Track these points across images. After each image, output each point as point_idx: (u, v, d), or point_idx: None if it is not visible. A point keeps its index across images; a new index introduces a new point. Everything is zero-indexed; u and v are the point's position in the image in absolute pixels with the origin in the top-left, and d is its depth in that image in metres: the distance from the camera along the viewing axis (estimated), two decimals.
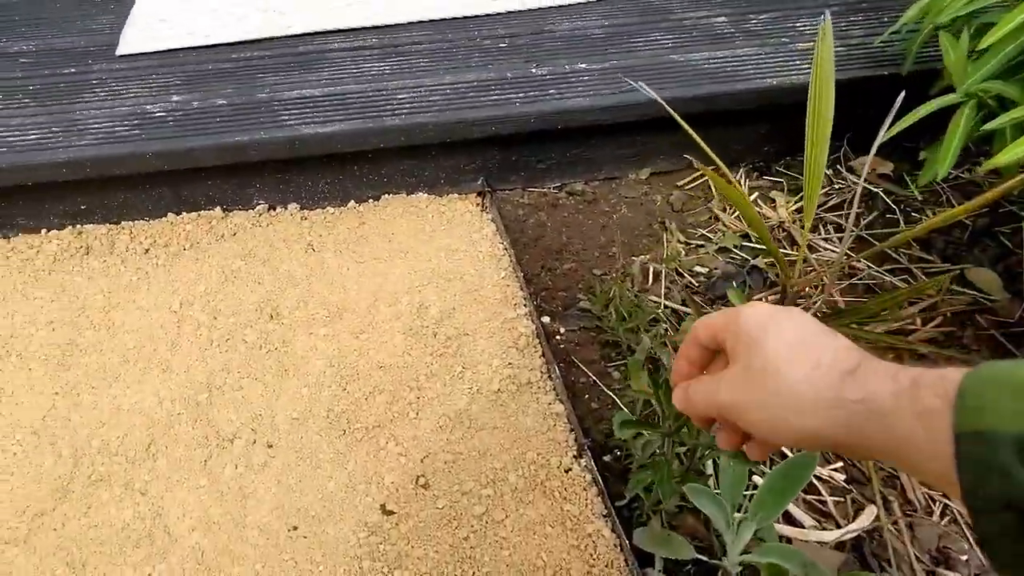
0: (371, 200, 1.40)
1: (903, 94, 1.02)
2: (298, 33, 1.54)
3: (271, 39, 1.51)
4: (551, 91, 1.36)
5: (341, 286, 1.20)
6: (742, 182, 1.47)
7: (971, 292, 1.19)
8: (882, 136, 1.02)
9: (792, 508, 0.89)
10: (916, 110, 1.04)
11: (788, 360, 0.43)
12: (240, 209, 1.35)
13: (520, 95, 1.35)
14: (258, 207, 1.35)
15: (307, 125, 1.27)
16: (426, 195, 1.41)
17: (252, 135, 1.24)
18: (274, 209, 1.36)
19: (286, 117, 1.29)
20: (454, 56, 1.48)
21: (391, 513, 0.87)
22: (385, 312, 1.15)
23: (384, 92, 1.36)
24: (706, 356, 0.53)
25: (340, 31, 1.55)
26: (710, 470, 0.93)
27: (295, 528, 0.86)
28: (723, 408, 0.47)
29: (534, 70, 1.42)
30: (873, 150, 1.06)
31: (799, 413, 0.42)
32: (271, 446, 0.95)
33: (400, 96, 1.35)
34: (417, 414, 1.00)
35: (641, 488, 0.82)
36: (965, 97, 1.05)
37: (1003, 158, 0.83)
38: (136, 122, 1.27)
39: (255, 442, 0.95)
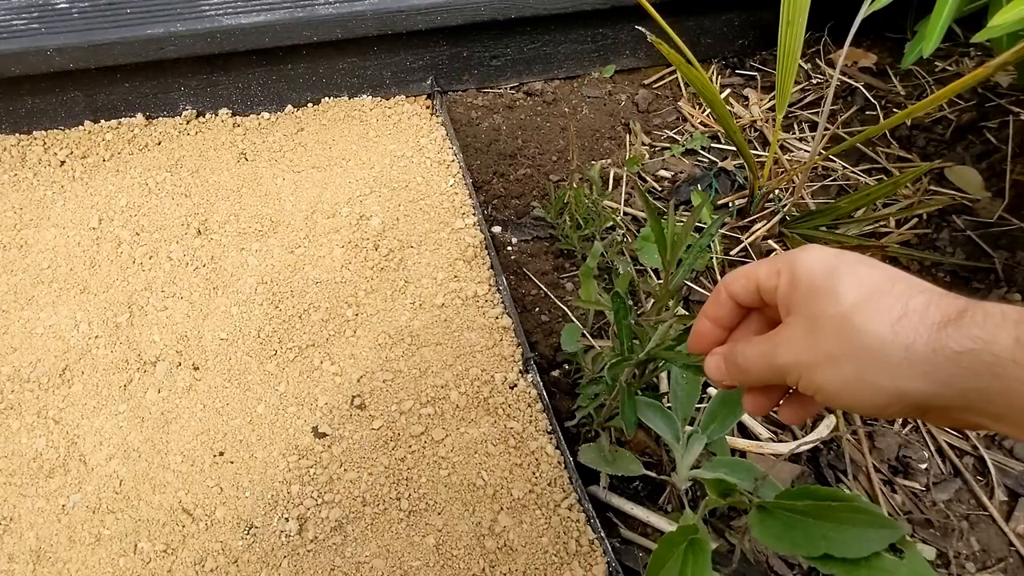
0: (310, 104, 1.27)
1: None
2: None
3: None
4: None
5: (276, 197, 1.10)
6: (714, 79, 1.36)
7: (950, 192, 1.12)
8: (862, 14, 0.91)
9: (747, 420, 0.84)
10: None
11: (868, 308, 0.36)
12: (165, 116, 1.23)
13: None
14: (184, 113, 1.22)
15: (229, 15, 1.13)
16: (370, 97, 1.28)
17: (167, 27, 1.10)
18: (203, 115, 1.24)
19: (206, 7, 1.15)
20: None
21: (323, 435, 0.81)
22: (323, 224, 1.06)
23: None
24: (737, 315, 0.45)
25: None
26: (665, 385, 0.88)
27: (221, 454, 0.80)
28: (784, 370, 0.39)
29: None
30: (850, 35, 0.95)
31: (885, 371, 0.35)
32: (197, 368, 0.88)
33: None
34: (355, 332, 0.93)
35: (591, 404, 0.76)
36: None
37: (997, 20, 0.73)
38: (35, 14, 1.12)
39: (180, 364, 0.88)
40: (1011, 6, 0.72)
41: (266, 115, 1.25)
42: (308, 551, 0.71)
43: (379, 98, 1.29)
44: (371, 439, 0.81)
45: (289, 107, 1.26)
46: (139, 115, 1.21)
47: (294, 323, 0.93)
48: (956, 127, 1.20)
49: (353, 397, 0.85)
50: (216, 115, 1.24)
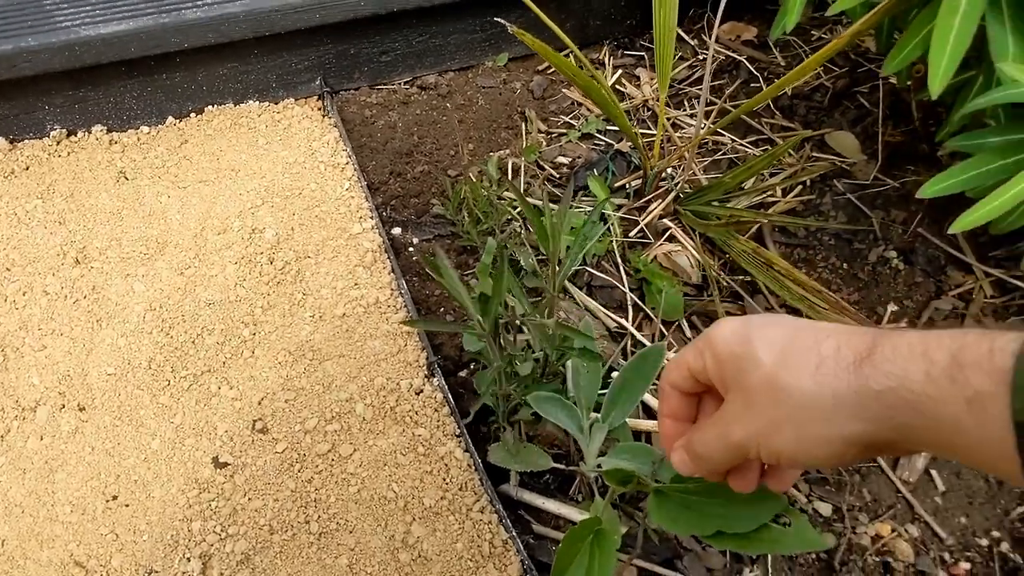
0: (193, 114, 1.20)
1: None
2: None
3: None
4: None
5: (161, 217, 1.04)
6: (606, 60, 1.36)
7: (830, 157, 1.16)
8: None
9: (652, 400, 0.85)
10: None
11: (787, 366, 0.36)
12: (32, 137, 1.13)
13: None
14: (53, 133, 1.13)
15: (86, 26, 1.04)
16: (257, 103, 1.22)
17: (17, 42, 1.01)
18: (74, 134, 1.15)
19: (60, 18, 1.06)
20: None
21: (225, 465, 0.78)
22: (213, 241, 1.00)
23: None
24: (690, 404, 0.45)
25: None
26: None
27: (114, 498, 0.75)
28: (741, 447, 0.39)
29: None
30: (720, 10, 0.96)
31: (823, 422, 0.35)
32: (83, 409, 0.82)
33: None
34: (253, 352, 0.88)
35: (491, 400, 0.75)
36: None
37: None
38: None
39: (63, 407, 0.82)
40: None
41: (145, 129, 1.17)
42: None
43: (267, 103, 1.23)
44: (275, 463, 0.78)
45: (170, 119, 1.19)
46: (1, 139, 1.11)
47: (187, 349, 0.88)
48: (833, 94, 1.24)
49: (254, 421, 0.81)
50: (89, 133, 1.15)
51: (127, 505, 0.75)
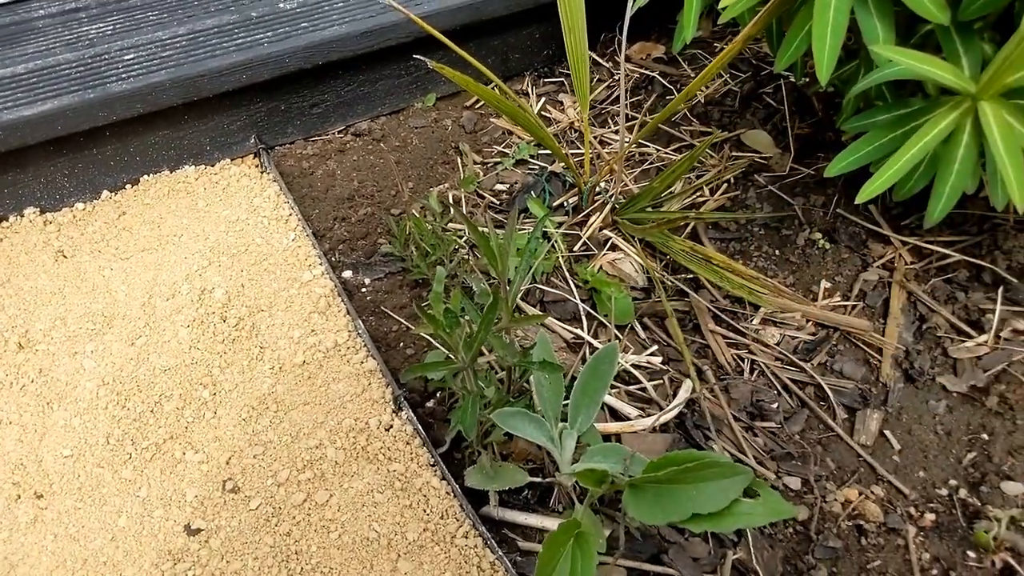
0: (128, 186, 1.16)
1: None
2: None
3: None
4: (303, 24, 1.17)
5: (106, 291, 0.99)
6: (529, 89, 1.38)
7: (748, 155, 1.20)
8: (629, 12, 0.96)
9: (616, 403, 0.85)
10: None
11: None
12: None
13: (269, 34, 1.15)
14: None
15: (8, 110, 1.00)
16: (193, 167, 1.19)
17: None
18: (5, 220, 1.10)
19: None
20: (189, 3, 1.23)
21: (198, 532, 0.73)
22: (163, 308, 0.97)
23: (106, 56, 1.11)
24: None
25: None
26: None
27: None
28: None
29: (282, 5, 1.22)
30: (625, 30, 0.99)
31: None
32: (40, 496, 0.77)
33: (127, 57, 1.11)
34: (215, 412, 0.85)
35: (456, 426, 0.74)
36: None
37: (725, 1, 0.78)
38: None
39: (19, 497, 0.77)
40: None
41: (80, 206, 1.13)
42: None
43: (203, 166, 1.20)
44: (251, 521, 0.74)
45: (105, 193, 1.14)
46: None
47: (147, 419, 0.83)
48: (741, 97, 1.29)
49: (224, 482, 0.77)
50: (22, 216, 1.10)
51: None
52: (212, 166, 1.20)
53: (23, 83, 1.06)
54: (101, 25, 1.19)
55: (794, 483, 0.80)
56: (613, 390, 0.87)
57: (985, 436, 0.84)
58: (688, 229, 1.09)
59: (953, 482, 0.81)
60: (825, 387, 0.88)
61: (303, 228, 1.08)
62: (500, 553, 0.69)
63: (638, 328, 0.96)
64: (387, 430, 0.81)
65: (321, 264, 1.02)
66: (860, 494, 0.79)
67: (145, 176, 1.17)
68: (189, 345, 0.92)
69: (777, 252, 1.05)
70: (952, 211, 0.82)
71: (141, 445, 0.81)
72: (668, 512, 0.54)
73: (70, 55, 1.12)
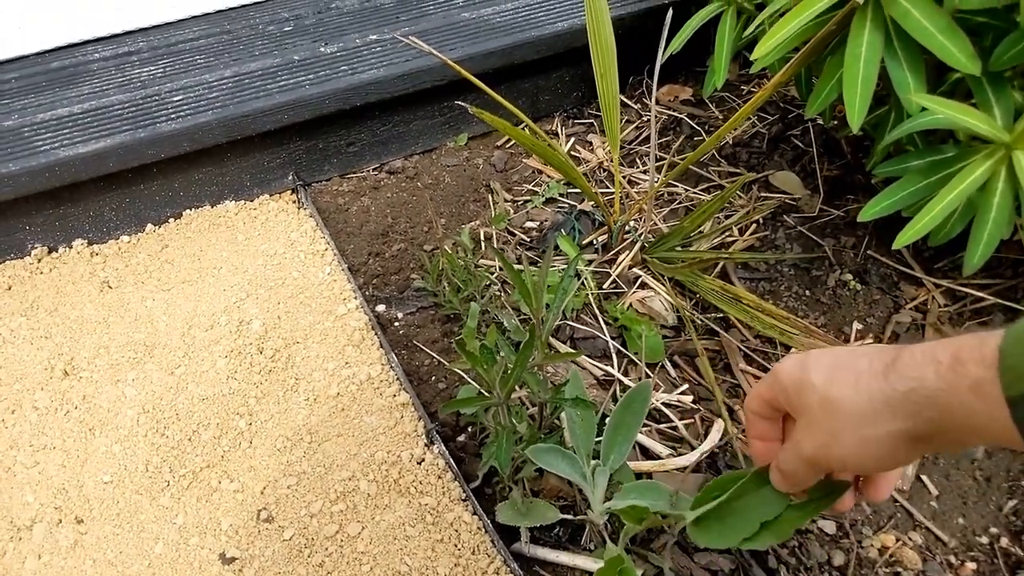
0: (171, 220, 1.21)
1: (670, 13, 0.99)
2: (50, 48, 1.30)
3: (16, 58, 1.26)
4: (342, 68, 1.22)
5: (147, 321, 1.03)
6: (559, 130, 1.42)
7: (777, 195, 1.22)
8: (660, 59, 0.99)
9: (648, 441, 0.85)
10: (683, 27, 1.02)
11: (836, 382, 0.43)
12: (12, 258, 1.13)
13: (310, 77, 1.21)
14: (34, 252, 1.13)
15: (65, 147, 1.06)
16: (233, 202, 1.24)
17: None
18: (55, 251, 1.15)
19: (39, 142, 1.08)
20: (235, 47, 1.30)
21: (232, 560, 0.74)
22: (202, 338, 1.00)
23: (156, 97, 1.17)
24: (774, 426, 0.52)
25: (100, 39, 1.32)
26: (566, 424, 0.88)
27: None
28: (813, 461, 0.46)
29: (323, 49, 1.28)
30: (656, 74, 1.03)
31: (867, 423, 0.41)
32: (81, 521, 0.79)
33: (175, 99, 1.17)
34: (251, 442, 0.87)
35: (489, 460, 0.74)
36: (725, 5, 1.04)
37: (759, 51, 0.81)
38: None
39: (60, 522, 0.79)
40: (762, 42, 0.81)
41: (125, 238, 1.18)
42: None
43: (242, 201, 1.25)
44: (284, 551, 0.75)
45: (149, 226, 1.20)
46: None
47: (184, 447, 0.86)
48: (769, 139, 1.32)
49: (259, 511, 0.79)
50: (70, 248, 1.15)
51: None
52: (251, 201, 1.25)
53: (79, 122, 1.12)
54: (152, 68, 1.25)
55: (829, 527, 0.79)
56: (644, 428, 0.88)
57: None
58: (717, 268, 1.10)
59: (994, 530, 0.79)
60: None
61: (338, 263, 1.12)
62: None
63: (668, 367, 0.97)
64: (419, 463, 0.83)
65: (356, 298, 1.05)
66: (897, 540, 0.78)
67: (188, 210, 1.22)
68: (227, 375, 0.94)
69: (808, 293, 1.06)
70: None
71: (179, 473, 0.83)
72: (738, 530, 0.54)
73: (122, 96, 1.18)
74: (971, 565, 0.76)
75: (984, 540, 0.79)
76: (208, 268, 1.12)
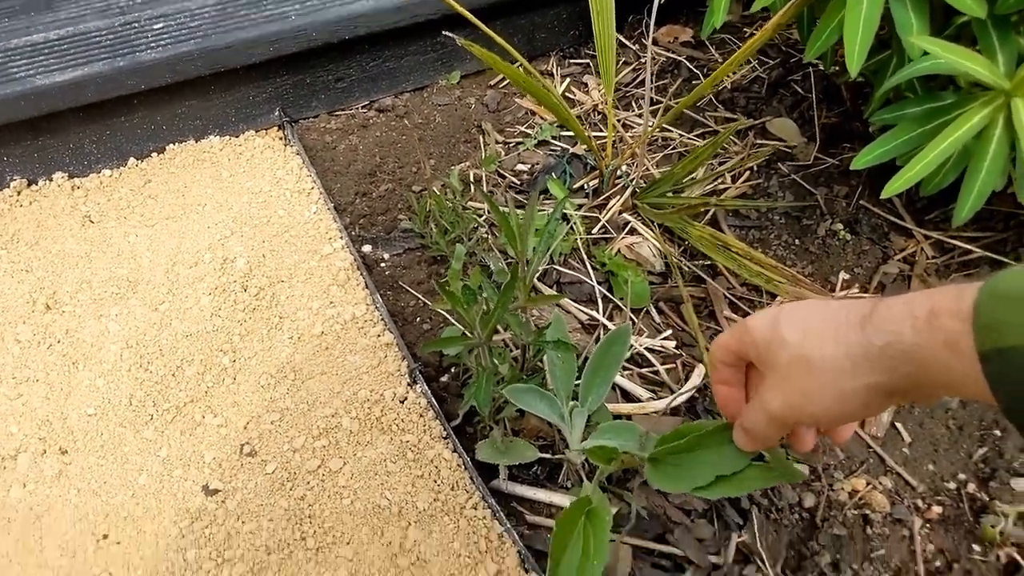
0: (154, 154, 1.18)
1: None
2: None
3: None
4: None
5: (130, 256, 1.01)
6: (554, 70, 1.38)
7: (772, 143, 1.19)
8: None
9: (628, 384, 0.85)
10: None
11: (811, 337, 0.41)
12: None
13: (296, 7, 1.16)
14: (13, 184, 1.10)
15: (41, 75, 1.02)
16: (218, 138, 1.20)
17: None
18: (35, 183, 1.12)
19: (14, 69, 1.03)
20: None
21: (215, 492, 0.75)
22: (186, 275, 0.98)
23: (136, 24, 1.12)
24: (738, 372, 0.51)
25: None
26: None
27: (105, 536, 0.72)
28: (782, 419, 0.45)
29: None
30: (654, 13, 0.98)
31: (845, 377, 0.40)
32: (65, 452, 0.79)
33: (156, 27, 1.12)
34: (235, 378, 0.86)
35: (471, 399, 0.74)
36: None
37: None
38: None
39: (45, 452, 0.79)
40: None
41: (107, 172, 1.15)
42: None
43: (227, 136, 1.21)
44: (266, 485, 0.76)
45: (132, 160, 1.16)
46: None
47: (168, 382, 0.86)
48: (769, 84, 1.27)
49: (242, 446, 0.79)
50: (51, 180, 1.12)
51: (118, 543, 0.72)
52: (236, 137, 1.21)
53: (55, 49, 1.07)
54: None
55: (803, 471, 0.80)
56: (625, 372, 0.88)
57: (998, 432, 0.84)
58: (708, 216, 1.08)
59: (962, 476, 0.81)
60: None
61: (324, 201, 1.09)
62: (509, 526, 0.71)
63: (653, 312, 0.96)
64: (401, 402, 0.83)
65: (341, 238, 1.03)
66: (868, 484, 0.79)
67: (171, 145, 1.19)
68: (211, 312, 0.93)
69: (797, 242, 1.05)
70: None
71: (162, 407, 0.83)
72: (694, 477, 0.54)
73: (100, 22, 1.13)
74: (937, 509, 0.78)
75: (952, 486, 0.80)
76: (192, 204, 1.10)
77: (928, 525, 0.77)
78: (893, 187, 0.76)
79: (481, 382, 0.65)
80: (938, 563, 0.74)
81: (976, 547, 0.75)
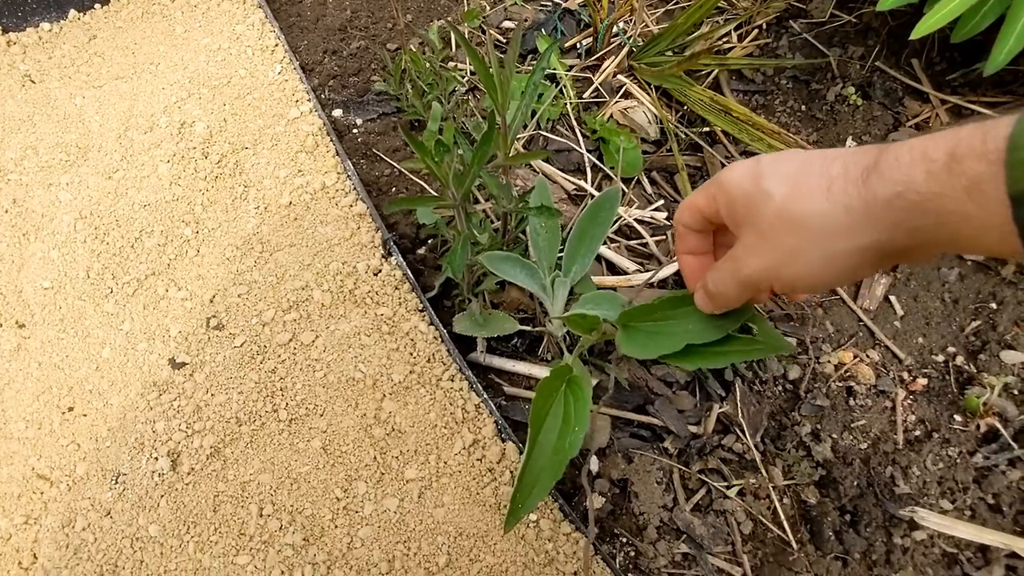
0: (97, 6, 1.04)
1: None
2: None
3: None
4: None
5: (78, 121, 0.92)
6: None
7: None
8: None
9: (615, 256, 0.80)
10: None
11: (799, 194, 0.36)
12: None
13: None
14: None
15: None
16: None
17: None
18: None
19: None
20: None
21: (183, 365, 0.72)
22: (140, 141, 0.89)
23: None
24: (706, 239, 0.46)
25: None
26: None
27: (70, 409, 0.69)
28: (753, 282, 0.40)
29: None
30: None
31: (840, 238, 0.35)
32: (22, 325, 0.75)
33: None
34: (198, 251, 0.80)
35: (453, 268, 0.69)
36: None
37: None
38: None
39: (1, 326, 0.75)
40: None
41: (46, 26, 1.02)
42: (187, 484, 0.64)
43: None
44: (235, 358, 0.72)
45: (72, 12, 1.03)
46: None
47: (127, 254, 0.80)
48: None
49: (208, 319, 0.75)
50: None
51: (84, 415, 0.69)
52: None
53: None
54: None
55: (791, 343, 0.77)
56: (613, 244, 0.82)
57: (993, 305, 0.80)
58: (710, 78, 0.98)
59: (951, 349, 0.78)
60: None
61: (290, 60, 0.98)
62: (485, 396, 0.68)
63: (645, 182, 0.89)
64: (375, 275, 0.77)
65: (310, 100, 0.93)
66: (855, 357, 0.77)
67: None
68: (170, 181, 0.86)
69: (804, 108, 0.96)
70: (1004, 67, 0.72)
71: (122, 280, 0.78)
72: (660, 346, 0.50)
73: None
74: (922, 381, 0.76)
75: (940, 358, 0.77)
76: (143, 63, 0.98)
77: (911, 397, 0.75)
78: (924, 27, 0.67)
79: (457, 248, 0.59)
80: (917, 432, 0.73)
81: (958, 417, 0.74)
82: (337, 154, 0.89)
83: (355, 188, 0.85)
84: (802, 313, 0.79)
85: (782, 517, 0.66)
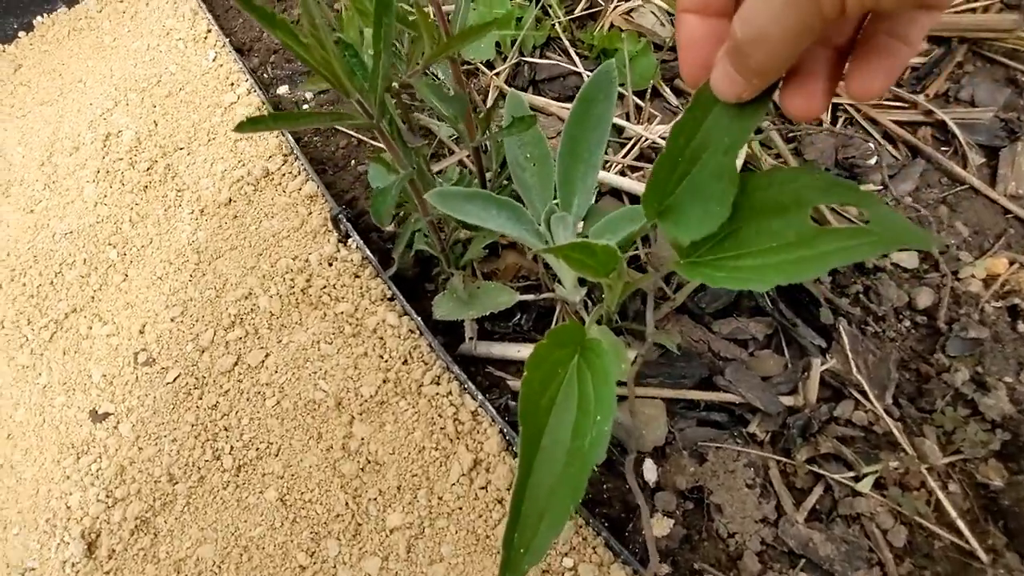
0: (21, 33, 0.93)
1: None
2: None
3: None
4: None
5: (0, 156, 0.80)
6: None
7: None
8: None
9: (627, 183, 0.60)
10: None
11: None
12: None
13: None
14: None
15: None
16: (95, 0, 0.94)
17: None
18: None
19: None
20: None
21: (105, 416, 0.56)
22: (65, 165, 0.76)
23: None
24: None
25: None
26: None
27: None
28: None
29: None
30: None
31: None
32: None
33: None
34: (125, 275, 0.65)
35: (378, 213, 0.50)
36: None
37: None
38: None
39: None
40: None
41: None
42: (107, 572, 0.48)
43: None
44: (167, 398, 0.56)
45: None
46: None
47: (45, 293, 0.65)
48: None
49: (136, 354, 0.59)
50: None
51: None
52: None
53: None
54: None
55: (909, 260, 0.54)
56: (627, 172, 0.62)
57: None
58: None
59: None
60: (949, 123, 0.59)
61: (225, 44, 0.83)
62: (483, 398, 0.49)
63: (667, 91, 0.69)
64: (330, 264, 0.60)
65: (246, 81, 0.78)
66: (1012, 263, 0.53)
67: (39, 18, 0.93)
68: (95, 202, 0.72)
69: None
70: None
71: (39, 324, 0.63)
72: (750, 272, 0.30)
73: None
74: None
75: None
76: (70, 83, 0.86)
77: None
78: None
79: (390, 189, 0.41)
80: None
81: None
82: (281, 134, 0.72)
83: (303, 168, 0.68)
84: (918, 217, 0.55)
85: (953, 514, 0.43)
